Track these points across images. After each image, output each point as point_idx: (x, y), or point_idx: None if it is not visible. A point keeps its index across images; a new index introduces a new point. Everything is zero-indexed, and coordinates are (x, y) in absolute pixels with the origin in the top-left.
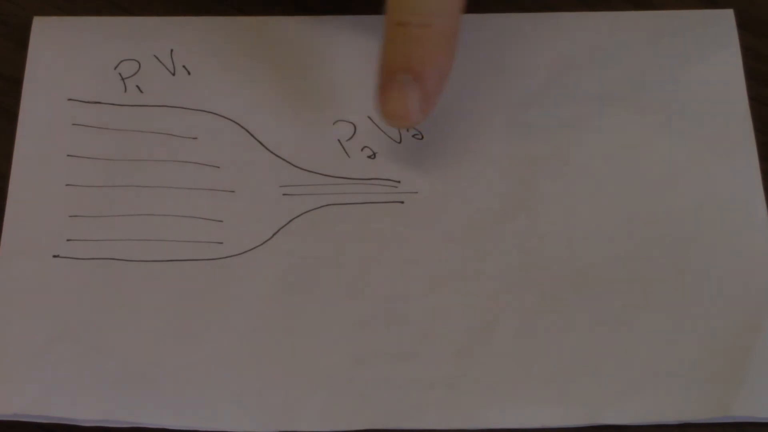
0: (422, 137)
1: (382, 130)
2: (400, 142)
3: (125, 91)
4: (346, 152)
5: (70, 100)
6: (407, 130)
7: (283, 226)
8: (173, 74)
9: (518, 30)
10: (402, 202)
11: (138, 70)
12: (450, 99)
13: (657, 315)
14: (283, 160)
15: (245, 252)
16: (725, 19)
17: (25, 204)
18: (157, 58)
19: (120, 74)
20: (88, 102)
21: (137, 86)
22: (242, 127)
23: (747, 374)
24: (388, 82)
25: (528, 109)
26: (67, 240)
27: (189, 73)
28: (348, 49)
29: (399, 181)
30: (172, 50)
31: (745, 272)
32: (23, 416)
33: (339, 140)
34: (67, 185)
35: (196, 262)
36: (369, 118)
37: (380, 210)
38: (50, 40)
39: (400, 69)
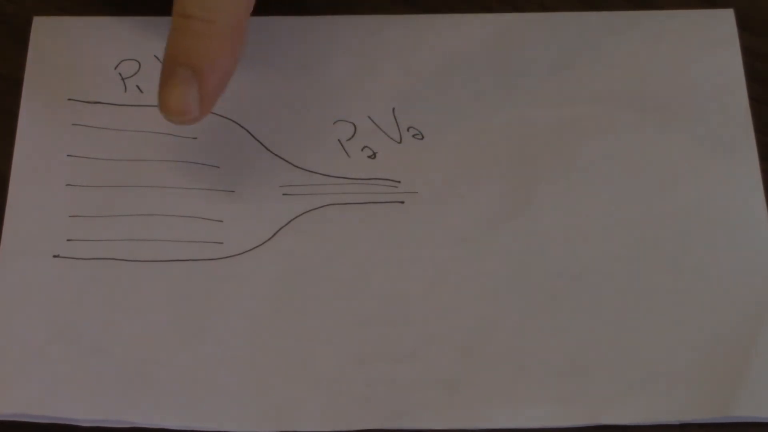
0: (422, 137)
1: (382, 130)
2: (400, 142)
3: (125, 91)
4: (346, 152)
5: (70, 100)
6: (407, 130)
7: (283, 226)
8: None
9: (518, 30)
10: (402, 202)
11: (138, 70)
12: (450, 99)
13: (657, 315)
14: (283, 160)
15: (245, 252)
16: (725, 19)
17: (25, 204)
18: (157, 58)
19: (120, 74)
20: (88, 102)
21: (137, 86)
22: (242, 127)
23: (747, 374)
24: (169, 75)
25: (528, 109)
26: (67, 240)
27: None
28: (348, 49)
29: (399, 181)
30: None
31: (745, 272)
32: (23, 416)
33: (339, 140)
34: (67, 185)
35: (196, 262)
36: (369, 118)
37: (380, 210)
38: (50, 40)
39: (180, 62)
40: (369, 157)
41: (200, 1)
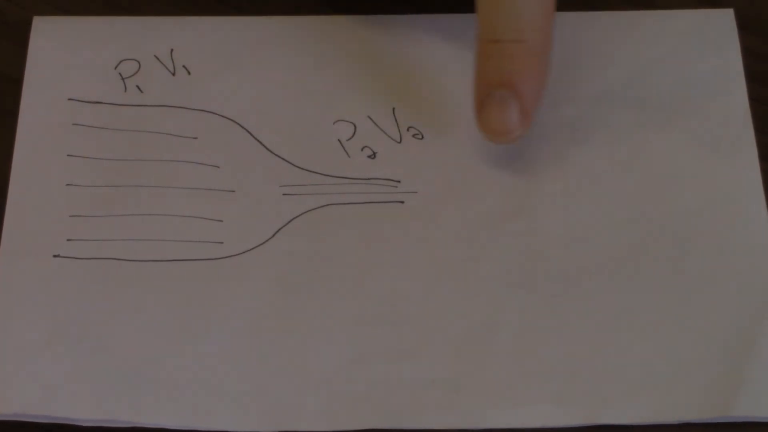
0: (422, 137)
1: (382, 130)
2: (400, 142)
3: (125, 91)
4: (346, 152)
5: (70, 100)
6: (407, 130)
7: (283, 226)
8: (173, 74)
9: None
10: (402, 202)
11: (138, 70)
12: (450, 99)
13: (657, 315)
14: (283, 160)
15: (245, 252)
16: (725, 19)
17: (25, 204)
18: (157, 58)
19: (120, 74)
20: (88, 102)
21: (137, 86)
22: (242, 127)
23: (747, 374)
24: (486, 97)
25: None
26: (68, 240)
27: (189, 73)
28: (348, 49)
29: (399, 181)
30: (172, 50)
31: (745, 272)
32: (23, 416)
33: (339, 140)
34: (67, 185)
35: (196, 262)
36: (369, 118)
37: (380, 210)
38: (50, 40)
39: (496, 84)
40: (369, 157)
41: (509, 24)
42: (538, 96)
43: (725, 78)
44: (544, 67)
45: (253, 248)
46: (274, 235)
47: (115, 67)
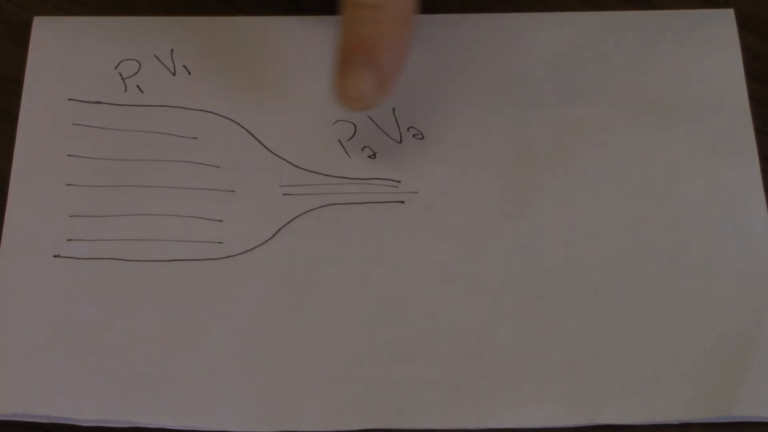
0: (422, 137)
1: (382, 130)
2: (400, 142)
3: (125, 91)
4: (347, 152)
5: (70, 100)
6: (407, 130)
7: (283, 226)
8: (173, 74)
9: (518, 30)
10: (402, 202)
11: (138, 70)
12: (450, 99)
13: (657, 315)
14: (283, 160)
15: (245, 252)
16: (725, 19)
17: (25, 204)
18: (157, 58)
19: (120, 74)
20: (88, 102)
21: (137, 86)
22: (242, 127)
23: (747, 374)
24: (344, 63)
25: (528, 109)
26: (68, 240)
27: (189, 73)
28: None
29: (399, 181)
30: (172, 50)
31: (744, 272)
32: (23, 416)
33: (339, 140)
34: (67, 185)
35: (196, 262)
36: (369, 118)
37: (380, 210)
38: (50, 40)
39: (355, 51)
40: (369, 157)
41: None
42: (397, 65)
43: (725, 78)
44: (404, 36)
45: (253, 248)
46: (274, 235)
47: (115, 67)
